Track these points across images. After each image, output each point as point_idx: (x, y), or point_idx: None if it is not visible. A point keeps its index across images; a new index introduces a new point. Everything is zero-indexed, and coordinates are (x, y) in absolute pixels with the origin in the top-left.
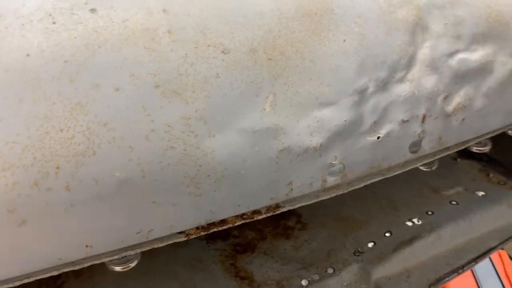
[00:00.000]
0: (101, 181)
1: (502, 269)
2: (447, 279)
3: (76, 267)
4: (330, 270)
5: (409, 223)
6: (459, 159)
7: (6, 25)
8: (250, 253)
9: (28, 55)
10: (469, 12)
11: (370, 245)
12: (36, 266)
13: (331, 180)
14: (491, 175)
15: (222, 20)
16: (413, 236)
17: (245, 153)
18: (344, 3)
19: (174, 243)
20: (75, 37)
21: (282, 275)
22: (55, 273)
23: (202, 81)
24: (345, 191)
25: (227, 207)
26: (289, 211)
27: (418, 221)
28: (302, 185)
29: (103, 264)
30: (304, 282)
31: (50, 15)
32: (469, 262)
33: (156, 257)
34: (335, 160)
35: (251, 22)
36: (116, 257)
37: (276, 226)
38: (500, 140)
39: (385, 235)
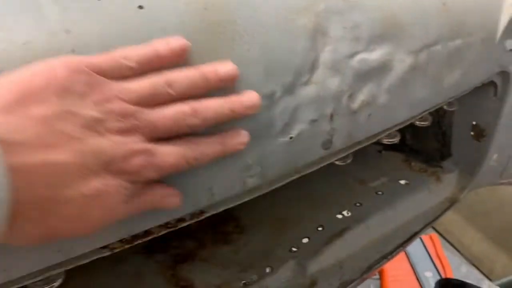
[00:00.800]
0: None
1: (433, 251)
2: (377, 265)
3: None
4: (268, 269)
5: (340, 216)
6: (383, 151)
7: None
8: (190, 262)
9: None
10: (366, 16)
11: (305, 240)
12: None
13: (251, 182)
14: (413, 164)
15: (125, 37)
16: (344, 228)
17: None
18: (246, 13)
19: (113, 258)
20: None
21: (222, 279)
22: None
23: None
24: (267, 190)
25: (149, 217)
26: (226, 215)
27: (348, 213)
28: (223, 190)
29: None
30: (243, 284)
31: None
32: (396, 248)
33: (94, 274)
34: (252, 162)
35: (155, 38)
36: (38, 278)
37: (215, 232)
38: (420, 130)
39: (317, 230)
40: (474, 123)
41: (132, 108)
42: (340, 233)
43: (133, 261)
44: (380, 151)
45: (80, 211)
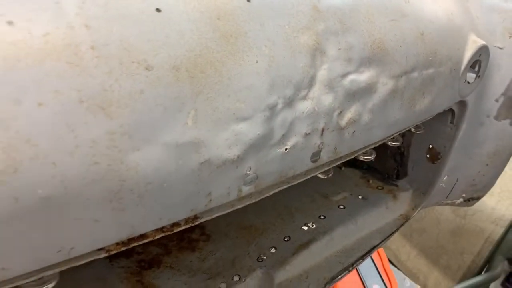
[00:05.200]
0: (22, 199)
1: (380, 265)
2: (339, 277)
3: None
4: (236, 278)
5: (305, 228)
6: (343, 167)
7: None
8: (156, 268)
9: None
10: (357, 39)
11: (272, 250)
12: None
13: (246, 190)
14: (370, 181)
15: (145, 37)
16: (309, 239)
17: (168, 166)
18: (255, 27)
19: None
20: None
21: (189, 287)
22: None
23: (126, 96)
24: (257, 200)
25: (149, 221)
26: None
27: (313, 225)
28: (220, 196)
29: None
30: None
31: None
32: (357, 260)
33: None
34: (249, 171)
35: (172, 41)
36: (33, 278)
37: (181, 239)
38: (379, 150)
39: (284, 240)
40: (430, 146)
41: None
42: (306, 244)
43: (96, 266)
44: (340, 167)
45: None
